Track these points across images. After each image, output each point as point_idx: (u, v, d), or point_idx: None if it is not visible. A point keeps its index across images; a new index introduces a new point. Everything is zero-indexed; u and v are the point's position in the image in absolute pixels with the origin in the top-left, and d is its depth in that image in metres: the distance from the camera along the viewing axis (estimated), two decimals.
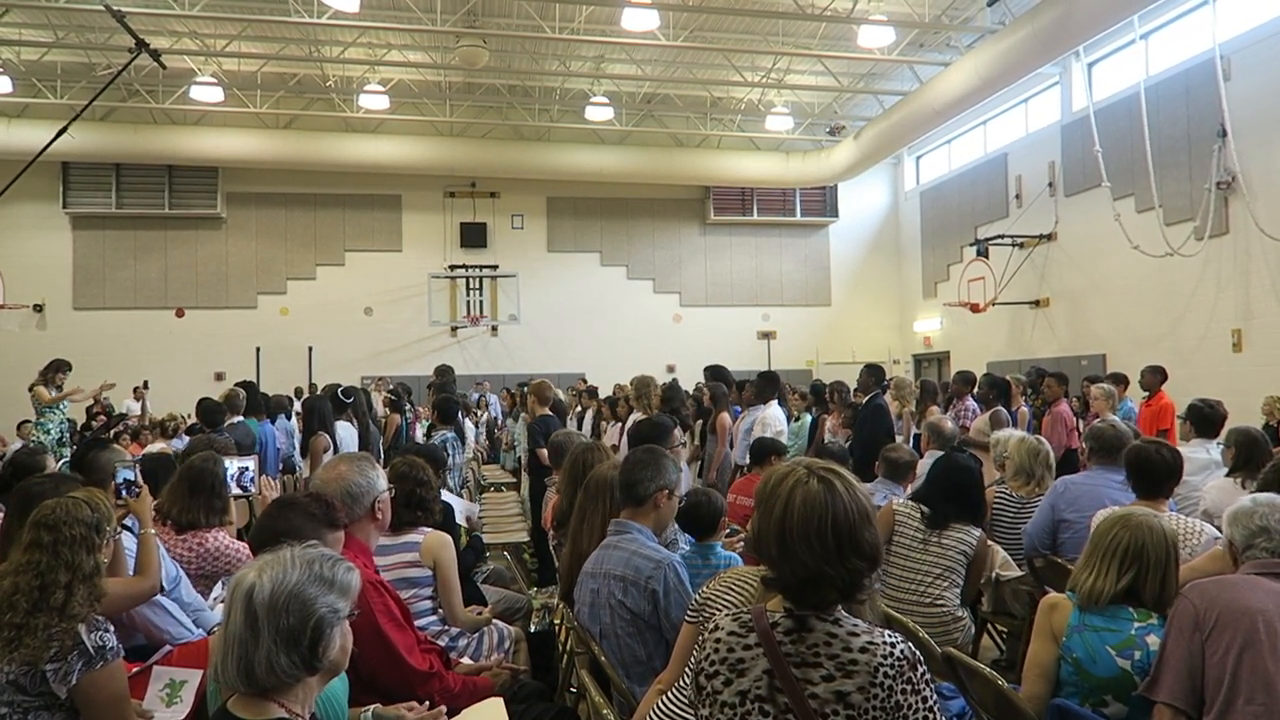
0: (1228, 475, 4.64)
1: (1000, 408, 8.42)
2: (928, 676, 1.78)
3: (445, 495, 5.00)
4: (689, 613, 2.74)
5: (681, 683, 2.24)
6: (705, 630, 1.94)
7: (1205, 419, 5.54)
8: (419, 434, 10.60)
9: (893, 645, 1.76)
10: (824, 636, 1.78)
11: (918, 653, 1.79)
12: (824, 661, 1.75)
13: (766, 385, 8.03)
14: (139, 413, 13.14)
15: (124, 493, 3.38)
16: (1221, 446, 5.06)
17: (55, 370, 9.68)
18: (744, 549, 3.73)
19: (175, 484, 3.86)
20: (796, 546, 1.77)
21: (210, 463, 3.94)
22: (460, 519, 5.13)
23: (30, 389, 9.65)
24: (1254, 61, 11.15)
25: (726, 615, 1.93)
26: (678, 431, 6.99)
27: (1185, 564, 3.40)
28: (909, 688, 1.73)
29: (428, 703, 2.64)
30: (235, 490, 4.26)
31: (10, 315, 14.98)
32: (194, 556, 3.73)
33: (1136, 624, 2.65)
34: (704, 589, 2.76)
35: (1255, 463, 4.46)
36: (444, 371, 9.49)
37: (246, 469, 4.40)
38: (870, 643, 1.76)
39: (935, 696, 1.80)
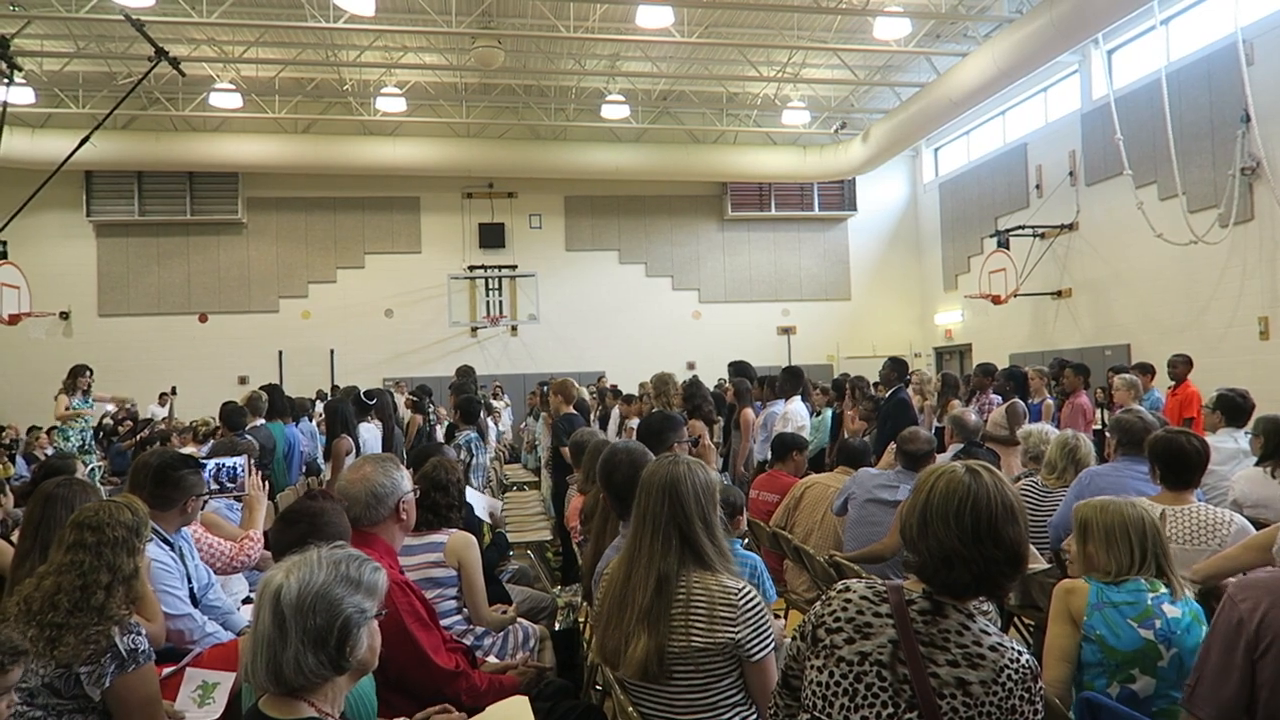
0: (1257, 464, 4.57)
1: (1017, 400, 8.37)
2: (1043, 692, 1.82)
3: (469, 493, 5.00)
4: None
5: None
6: (833, 588, 1.96)
7: (1235, 408, 5.46)
8: (439, 434, 10.66)
9: (1020, 654, 1.79)
10: (957, 625, 1.80)
11: (1039, 668, 1.82)
12: (952, 648, 1.78)
13: (789, 380, 8.01)
14: (164, 417, 13.27)
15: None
16: (1250, 435, 4.99)
17: (75, 376, 9.66)
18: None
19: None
20: (934, 524, 1.81)
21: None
22: (483, 514, 5.14)
23: (56, 398, 9.71)
24: (1277, 45, 10.97)
25: (860, 581, 1.95)
26: (702, 428, 6.99)
27: (1219, 554, 3.37)
28: (1027, 696, 1.76)
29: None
30: (213, 486, 4.03)
31: (37, 323, 15.14)
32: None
33: (1151, 594, 2.67)
34: None
35: None
36: (465, 372, 9.52)
37: (225, 465, 4.08)
38: (1000, 644, 1.79)
39: (1044, 713, 1.82)
